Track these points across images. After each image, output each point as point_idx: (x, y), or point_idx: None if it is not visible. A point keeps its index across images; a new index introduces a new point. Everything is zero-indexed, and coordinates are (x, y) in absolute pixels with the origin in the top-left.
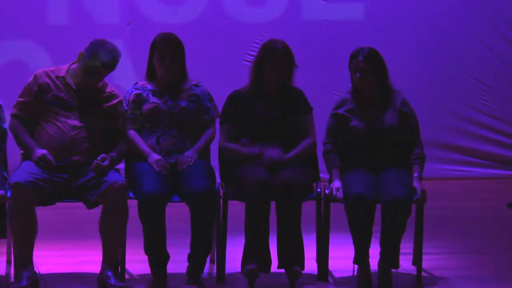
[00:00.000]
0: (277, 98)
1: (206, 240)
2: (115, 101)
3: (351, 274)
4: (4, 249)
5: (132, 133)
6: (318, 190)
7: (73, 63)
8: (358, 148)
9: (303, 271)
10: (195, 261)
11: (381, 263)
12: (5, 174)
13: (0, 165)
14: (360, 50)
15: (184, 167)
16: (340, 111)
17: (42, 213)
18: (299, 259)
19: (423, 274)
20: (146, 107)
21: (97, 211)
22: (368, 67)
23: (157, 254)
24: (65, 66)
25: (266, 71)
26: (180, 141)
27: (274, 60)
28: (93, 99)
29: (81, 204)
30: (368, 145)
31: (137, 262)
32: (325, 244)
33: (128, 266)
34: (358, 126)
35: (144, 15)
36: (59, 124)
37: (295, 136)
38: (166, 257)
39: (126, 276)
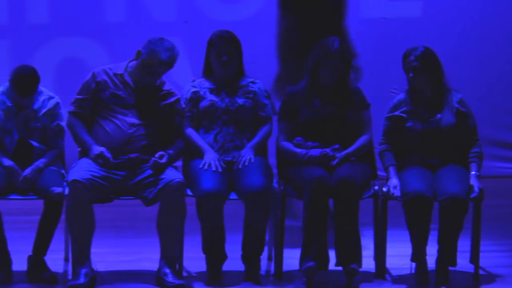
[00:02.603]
0: (333, 94)
1: (259, 240)
2: (173, 99)
3: (408, 272)
4: (62, 246)
5: (190, 130)
6: (376, 187)
7: (131, 61)
8: (415, 148)
9: (360, 269)
10: (249, 262)
11: (438, 260)
12: (63, 171)
13: (57, 162)
14: (412, 50)
15: (240, 166)
16: (396, 113)
17: (100, 210)
18: (357, 257)
19: (481, 272)
20: (203, 104)
21: (155, 208)
22: (421, 66)
23: (215, 254)
24: (123, 64)
25: (321, 72)
26: (238, 139)
27: (329, 62)
28: (151, 96)
29: (138, 201)
30: (425, 144)
31: (195, 259)
32: (383, 241)
33: (186, 263)
34: (415, 126)
35: (201, 12)
36: (116, 121)
37: (351, 132)
38: (223, 257)
39: (184, 274)
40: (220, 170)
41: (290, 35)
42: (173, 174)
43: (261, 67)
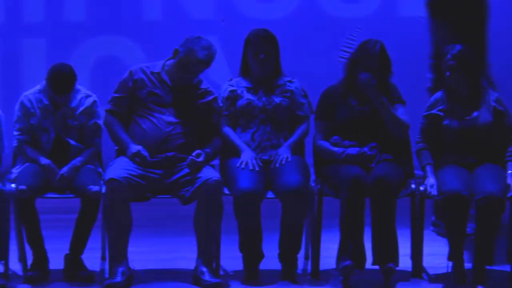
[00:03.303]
0: None
1: (296, 238)
2: (210, 97)
3: (445, 270)
4: (99, 245)
5: (227, 129)
6: (413, 186)
7: (169, 59)
8: (451, 146)
9: (397, 268)
10: (286, 261)
11: (475, 259)
12: (100, 170)
13: (94, 161)
14: (449, 49)
15: (277, 165)
16: (433, 111)
17: (137, 209)
18: (394, 256)
19: None
20: (240, 103)
21: (192, 207)
22: (458, 65)
23: (252, 253)
24: (160, 62)
25: (359, 73)
26: (275, 138)
27: (367, 64)
28: (188, 95)
29: (175, 200)
30: (461, 143)
31: (232, 258)
32: (420, 240)
33: (222, 262)
34: (452, 124)
35: (239, 11)
36: (154, 119)
37: (388, 130)
38: (261, 256)
39: (221, 272)
40: (257, 169)
41: (442, 44)
42: (210, 173)
43: (298, 66)
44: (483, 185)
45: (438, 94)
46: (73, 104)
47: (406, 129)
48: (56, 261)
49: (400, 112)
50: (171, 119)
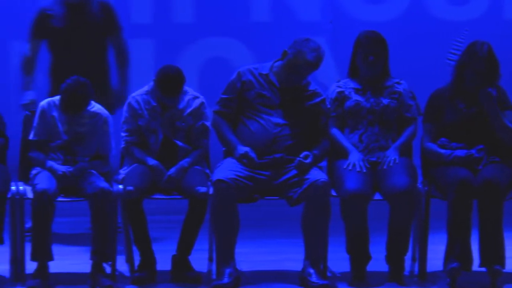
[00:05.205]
0: (478, 96)
1: (403, 240)
2: (318, 99)
3: None
4: (206, 246)
5: (335, 131)
6: None
7: (277, 61)
8: None
9: (504, 270)
10: (393, 263)
11: None
12: (208, 171)
13: (202, 162)
14: None
15: (385, 167)
16: None
17: (244, 210)
18: (501, 258)
19: None
20: (348, 104)
21: (300, 208)
22: None
23: (359, 254)
24: (269, 64)
25: (467, 75)
26: (382, 139)
27: (475, 66)
28: (296, 97)
29: (283, 201)
30: None
31: (339, 259)
32: None
33: (330, 263)
34: None
35: (346, 12)
36: (261, 121)
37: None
38: (368, 257)
39: (328, 274)
40: (364, 171)
41: None
42: (318, 174)
43: (406, 68)
44: None
45: None
46: (181, 106)
47: None
48: (164, 262)
49: (510, 119)
50: (279, 120)
